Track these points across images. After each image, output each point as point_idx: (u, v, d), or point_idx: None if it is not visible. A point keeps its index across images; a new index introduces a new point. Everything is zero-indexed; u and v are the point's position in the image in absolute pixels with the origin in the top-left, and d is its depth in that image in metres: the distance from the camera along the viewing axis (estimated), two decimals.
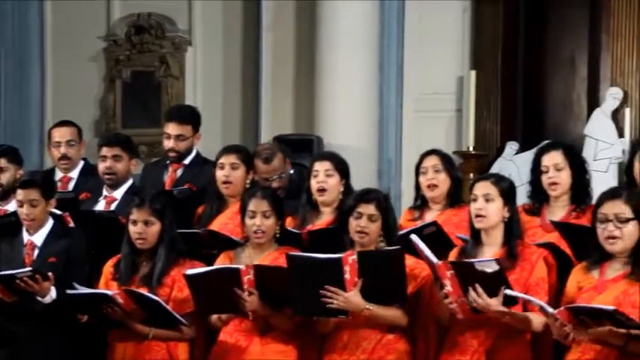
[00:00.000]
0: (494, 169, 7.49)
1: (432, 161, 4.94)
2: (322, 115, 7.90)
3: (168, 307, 4.36)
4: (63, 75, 8.81)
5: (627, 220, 3.79)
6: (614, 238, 3.80)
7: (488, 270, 3.90)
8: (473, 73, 7.75)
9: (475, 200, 4.17)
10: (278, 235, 4.50)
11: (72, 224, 4.97)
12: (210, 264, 4.54)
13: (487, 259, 3.96)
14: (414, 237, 4.12)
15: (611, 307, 3.62)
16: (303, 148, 7.49)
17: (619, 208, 3.80)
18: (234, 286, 4.23)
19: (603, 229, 3.82)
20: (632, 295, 3.75)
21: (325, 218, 4.88)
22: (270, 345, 4.36)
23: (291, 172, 5.72)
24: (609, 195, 3.88)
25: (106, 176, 5.35)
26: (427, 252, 4.04)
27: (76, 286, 4.44)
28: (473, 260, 4.00)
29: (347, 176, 4.96)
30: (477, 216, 4.16)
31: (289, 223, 4.85)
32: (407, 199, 6.91)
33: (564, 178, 4.54)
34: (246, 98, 8.62)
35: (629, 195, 3.85)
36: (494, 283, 3.92)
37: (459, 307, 4.01)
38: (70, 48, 8.78)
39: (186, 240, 4.69)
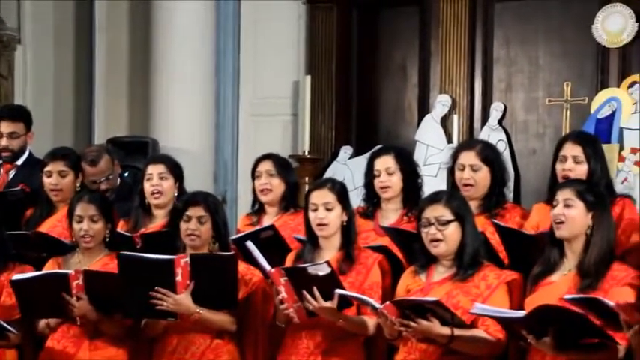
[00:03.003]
0: (329, 173, 7.60)
1: (265, 166, 4.98)
2: (158, 117, 7.83)
3: None
4: None
5: (448, 223, 3.90)
6: (437, 240, 3.91)
7: (321, 273, 3.94)
8: (308, 77, 7.84)
9: (316, 210, 4.21)
10: (108, 239, 4.45)
11: None
12: (41, 268, 4.45)
13: (319, 263, 4.01)
14: (249, 243, 4.13)
15: (434, 298, 3.73)
16: (138, 150, 7.42)
17: (439, 211, 3.91)
18: (63, 291, 4.16)
19: (427, 232, 3.93)
20: (456, 296, 3.86)
21: (159, 221, 4.84)
22: (99, 350, 4.31)
23: (126, 174, 5.66)
24: (430, 200, 3.99)
25: None
26: (261, 259, 4.06)
27: None
28: (305, 265, 4.04)
29: (181, 179, 4.95)
30: (320, 225, 4.20)
31: (122, 226, 4.80)
32: (243, 202, 6.93)
33: (395, 182, 4.63)
34: (79, 99, 8.45)
35: (448, 198, 3.96)
36: (328, 286, 3.97)
37: (294, 311, 4.04)
38: None
39: (15, 242, 4.58)
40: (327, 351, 4.12)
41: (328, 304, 3.96)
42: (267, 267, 4.04)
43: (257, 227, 4.83)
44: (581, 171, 4.31)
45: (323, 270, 3.95)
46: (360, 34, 8.08)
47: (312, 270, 3.96)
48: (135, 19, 8.24)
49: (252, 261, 4.22)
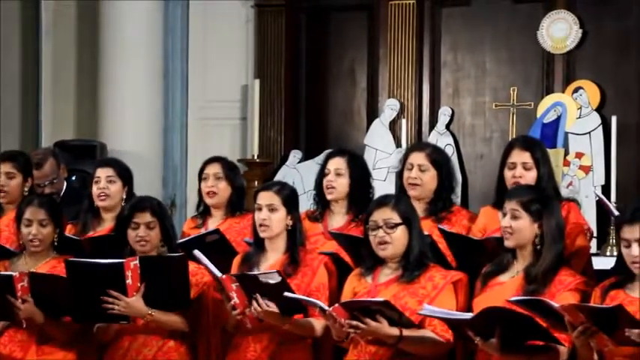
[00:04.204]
0: (279, 177, 7.61)
1: (213, 169, 5.00)
2: (106, 120, 7.79)
3: None
4: None
5: (396, 226, 3.93)
6: (384, 243, 3.93)
7: (272, 281, 3.95)
8: (257, 82, 7.83)
9: (260, 210, 4.22)
10: (56, 243, 4.42)
11: None
12: None
13: (270, 272, 4.01)
14: (197, 252, 4.12)
15: (382, 299, 3.76)
16: (85, 154, 7.37)
17: (387, 214, 3.93)
18: (7, 294, 4.13)
19: (374, 235, 3.95)
20: (403, 297, 3.89)
21: (107, 225, 4.83)
22: (46, 355, 4.28)
23: (73, 178, 5.62)
24: (378, 203, 4.01)
25: None
26: (211, 266, 4.06)
27: None
28: (256, 273, 4.05)
29: (130, 183, 4.93)
30: (261, 225, 4.21)
31: (70, 230, 4.77)
32: (192, 206, 6.91)
33: (342, 183, 4.64)
34: (26, 102, 8.36)
35: (396, 201, 3.98)
36: (279, 293, 3.97)
37: (245, 316, 4.05)
38: None
39: None
40: (274, 354, 4.13)
41: (272, 308, 3.97)
42: (219, 274, 4.05)
43: (202, 230, 4.84)
44: (530, 177, 4.37)
45: (274, 279, 3.96)
46: (309, 38, 8.10)
47: (263, 278, 3.97)
48: (82, 20, 8.18)
49: (198, 263, 4.21)
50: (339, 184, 4.64)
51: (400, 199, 4.08)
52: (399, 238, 3.93)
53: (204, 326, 4.32)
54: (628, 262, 3.64)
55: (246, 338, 4.16)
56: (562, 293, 3.76)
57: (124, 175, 4.91)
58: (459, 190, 4.87)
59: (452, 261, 4.27)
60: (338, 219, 4.67)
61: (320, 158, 5.35)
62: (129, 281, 4.09)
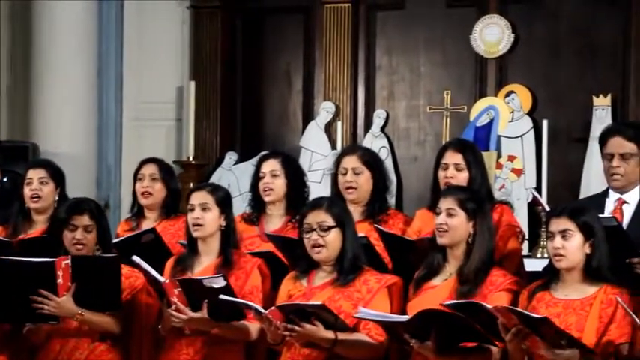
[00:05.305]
0: (214, 179, 7.59)
1: (149, 169, 4.98)
2: (38, 121, 7.69)
3: None
4: None
5: (329, 229, 3.94)
6: (318, 246, 3.94)
7: (216, 285, 3.94)
8: (192, 83, 7.80)
9: (192, 210, 4.21)
10: None
11: None
12: None
13: (215, 276, 4.00)
14: (136, 258, 4.09)
15: (319, 302, 3.78)
16: (17, 155, 7.28)
17: (321, 217, 3.94)
18: None
19: (308, 238, 3.96)
20: (338, 300, 3.90)
21: (39, 227, 4.78)
22: None
23: (5, 180, 5.55)
24: (311, 205, 4.03)
25: None
26: (153, 272, 4.04)
27: None
28: (201, 277, 4.03)
29: (62, 185, 4.89)
30: (194, 225, 4.20)
31: (0, 232, 4.72)
32: (127, 208, 6.86)
33: (278, 185, 4.66)
34: None
35: (329, 204, 4.00)
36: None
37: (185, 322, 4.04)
38: None
39: None
40: (206, 356, 4.12)
41: (197, 314, 3.97)
42: (161, 278, 4.03)
43: (137, 231, 4.81)
44: (462, 178, 4.42)
45: (218, 283, 3.95)
46: (245, 40, 8.10)
47: (207, 283, 3.95)
48: (15, 20, 8.07)
49: (132, 264, 4.18)
50: (276, 185, 4.65)
51: (334, 201, 4.10)
52: (332, 240, 3.95)
53: (137, 327, 4.30)
54: (551, 255, 3.71)
55: (178, 340, 4.15)
56: (494, 294, 3.81)
57: (57, 176, 4.87)
58: (393, 188, 4.91)
59: (388, 262, 4.30)
60: (275, 221, 4.68)
61: (256, 160, 5.34)
62: (60, 280, 4.06)
